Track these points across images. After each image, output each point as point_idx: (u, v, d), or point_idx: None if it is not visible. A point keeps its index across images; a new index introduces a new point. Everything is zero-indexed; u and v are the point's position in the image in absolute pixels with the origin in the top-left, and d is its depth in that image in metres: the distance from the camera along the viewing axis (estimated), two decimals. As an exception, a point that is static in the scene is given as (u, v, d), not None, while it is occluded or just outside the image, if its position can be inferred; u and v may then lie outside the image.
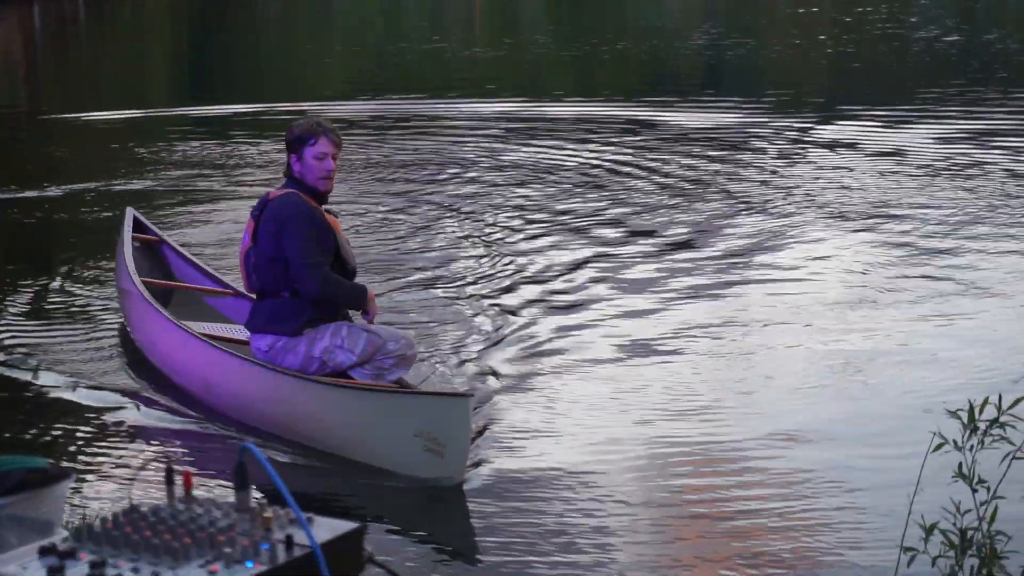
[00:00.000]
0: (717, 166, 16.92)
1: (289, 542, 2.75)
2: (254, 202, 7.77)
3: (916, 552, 3.59)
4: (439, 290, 10.93)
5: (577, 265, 11.71)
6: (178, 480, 2.99)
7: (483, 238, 12.72)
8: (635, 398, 8.20)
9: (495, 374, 8.61)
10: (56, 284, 11.21)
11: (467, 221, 13.59)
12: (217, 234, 13.08)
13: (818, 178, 15.81)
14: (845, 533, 6.04)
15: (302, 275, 7.32)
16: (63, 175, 17.25)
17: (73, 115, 23.59)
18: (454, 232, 13.10)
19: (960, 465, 3.68)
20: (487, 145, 19.39)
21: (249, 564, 2.69)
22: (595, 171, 16.93)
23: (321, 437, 7.29)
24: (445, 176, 16.65)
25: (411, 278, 11.33)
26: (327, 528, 2.83)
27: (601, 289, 10.96)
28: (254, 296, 7.73)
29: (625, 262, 11.87)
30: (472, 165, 17.51)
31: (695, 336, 9.48)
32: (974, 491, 3.70)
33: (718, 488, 6.76)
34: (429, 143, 19.71)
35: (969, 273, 11.01)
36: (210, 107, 24.87)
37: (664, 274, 11.38)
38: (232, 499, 2.93)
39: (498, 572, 5.94)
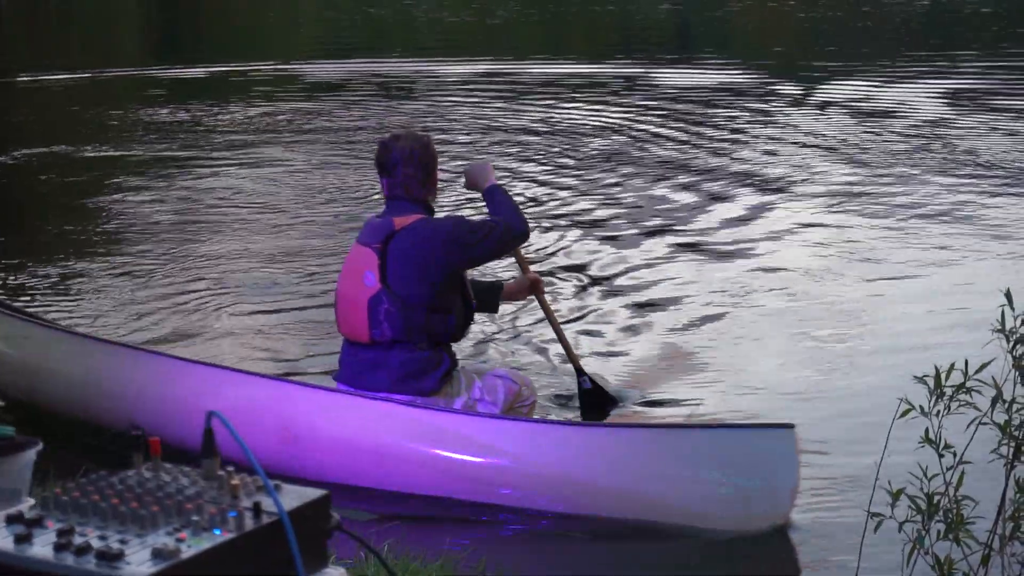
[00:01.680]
0: (689, 127, 16.97)
1: (257, 509, 2.74)
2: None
3: (883, 517, 3.61)
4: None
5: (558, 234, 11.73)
6: (146, 447, 2.98)
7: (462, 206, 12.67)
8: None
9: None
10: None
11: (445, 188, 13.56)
12: (178, 208, 12.92)
13: (793, 141, 15.88)
14: (813, 498, 6.06)
15: (505, 227, 6.34)
16: (25, 139, 17.14)
17: (37, 76, 23.46)
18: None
19: (927, 431, 3.70)
20: (463, 107, 19.38)
21: (217, 531, 2.68)
22: (570, 132, 16.96)
23: (585, 498, 5.94)
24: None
25: None
26: (295, 495, 2.82)
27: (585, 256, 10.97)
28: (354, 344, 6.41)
29: (603, 229, 11.89)
30: (450, 128, 17.49)
31: (662, 305, 9.52)
32: (941, 456, 3.71)
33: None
34: (405, 105, 19.68)
35: (941, 238, 11.06)
36: (178, 68, 24.77)
37: (628, 243, 11.41)
38: (200, 466, 2.92)
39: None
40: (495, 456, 5.98)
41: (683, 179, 13.87)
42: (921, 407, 3.72)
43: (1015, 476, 3.70)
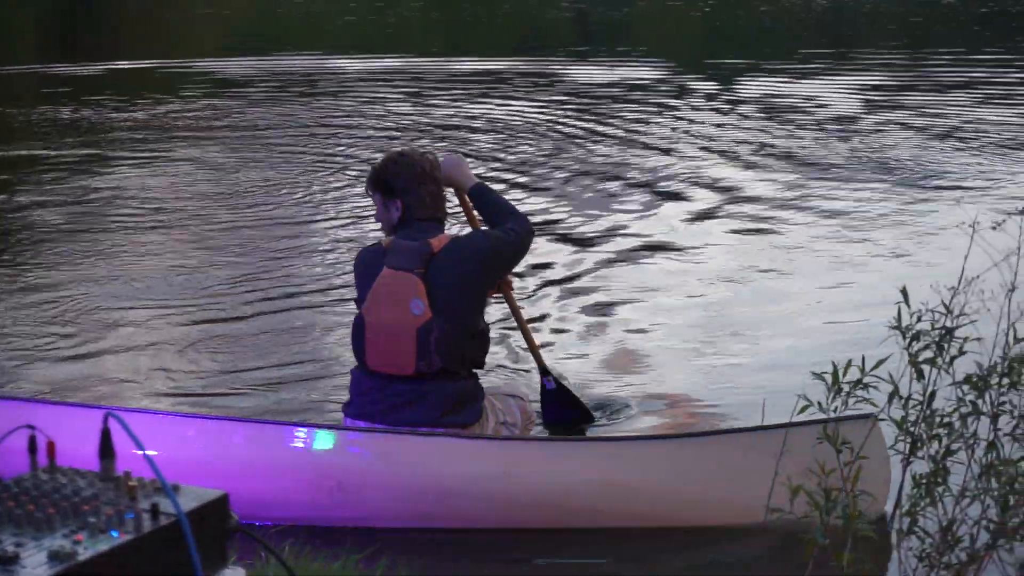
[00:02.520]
0: (604, 122, 17.03)
1: (155, 511, 2.72)
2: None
3: (782, 512, 3.64)
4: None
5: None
6: (41, 449, 2.95)
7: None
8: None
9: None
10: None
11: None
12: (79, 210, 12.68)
13: (697, 139, 15.97)
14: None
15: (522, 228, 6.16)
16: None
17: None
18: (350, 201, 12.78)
19: (824, 427, 3.74)
20: (374, 104, 19.32)
21: (114, 533, 2.66)
22: (486, 127, 16.96)
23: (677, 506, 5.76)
24: (339, 137, 16.53)
25: (323, 256, 10.91)
26: (193, 496, 2.80)
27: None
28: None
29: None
30: (363, 125, 17.43)
31: (576, 298, 9.53)
32: (838, 452, 3.75)
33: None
34: (314, 103, 19.58)
35: (849, 233, 11.17)
36: (79, 66, 24.51)
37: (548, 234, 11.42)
38: (97, 468, 2.90)
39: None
40: (581, 478, 5.67)
41: (596, 177, 13.92)
42: (819, 403, 3.76)
43: (911, 471, 3.75)
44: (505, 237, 6.04)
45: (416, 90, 20.80)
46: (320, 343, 8.60)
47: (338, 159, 14.97)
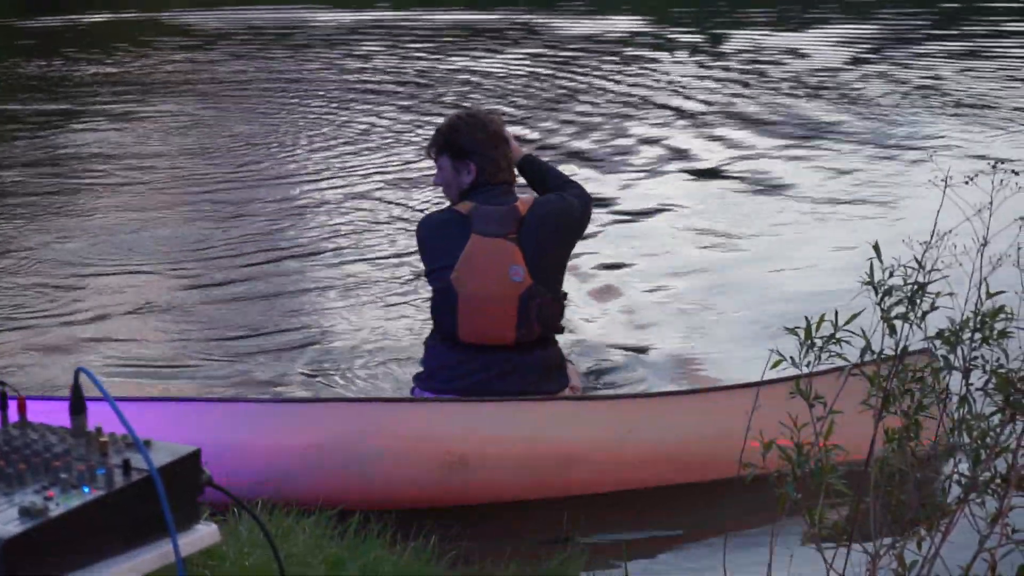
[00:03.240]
0: (583, 76, 17.02)
1: (126, 466, 2.72)
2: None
3: (754, 467, 3.65)
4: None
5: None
6: (12, 405, 2.94)
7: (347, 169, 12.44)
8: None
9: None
10: None
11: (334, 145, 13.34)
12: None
13: (680, 92, 15.96)
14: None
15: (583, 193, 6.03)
16: None
17: None
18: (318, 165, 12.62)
19: (797, 381, 3.74)
20: (353, 57, 19.22)
21: (86, 489, 2.66)
22: (464, 81, 16.93)
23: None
24: (317, 92, 16.43)
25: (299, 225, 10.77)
26: (165, 451, 2.80)
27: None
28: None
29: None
30: (341, 79, 17.35)
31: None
32: (811, 406, 3.76)
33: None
34: (291, 57, 19.48)
35: (821, 190, 11.18)
36: (46, 19, 24.32)
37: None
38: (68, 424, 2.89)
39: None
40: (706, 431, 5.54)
41: (573, 134, 13.90)
42: (792, 358, 3.76)
43: (883, 426, 3.76)
44: (579, 203, 5.90)
45: (391, 43, 20.71)
46: (308, 306, 8.48)
47: (316, 114, 14.90)
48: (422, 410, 5.50)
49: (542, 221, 5.72)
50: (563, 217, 5.80)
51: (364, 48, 20.19)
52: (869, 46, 19.43)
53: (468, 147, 5.79)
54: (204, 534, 2.81)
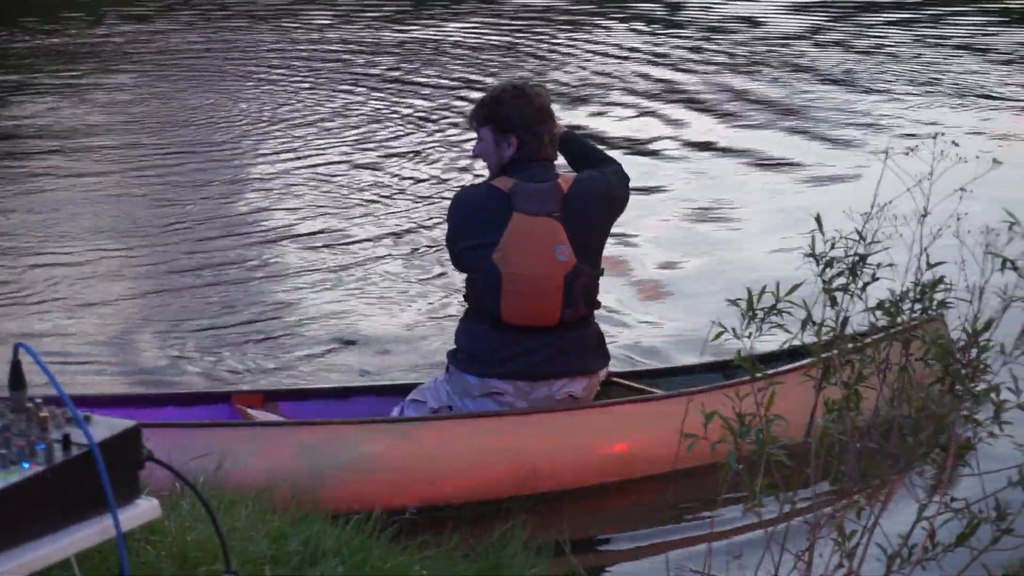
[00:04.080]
0: (538, 42, 17.00)
1: (67, 441, 2.71)
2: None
3: (696, 438, 3.67)
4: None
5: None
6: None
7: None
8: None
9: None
10: None
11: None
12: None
13: (624, 61, 15.94)
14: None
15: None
16: None
17: None
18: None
19: (739, 352, 3.76)
20: (304, 28, 19.05)
21: (25, 465, 2.65)
22: (416, 50, 16.85)
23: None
24: (269, 63, 16.29)
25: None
26: (105, 426, 2.79)
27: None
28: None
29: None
30: (293, 49, 17.21)
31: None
32: (753, 378, 3.78)
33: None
34: (240, 28, 19.28)
35: (764, 161, 11.23)
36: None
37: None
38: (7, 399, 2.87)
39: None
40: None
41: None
42: (733, 329, 3.77)
43: (823, 397, 3.78)
44: (617, 180, 5.84)
45: (345, 12, 20.55)
46: (266, 289, 8.42)
47: (270, 87, 14.79)
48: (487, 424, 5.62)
49: (585, 199, 5.64)
50: (606, 195, 5.73)
51: (318, 18, 20.04)
52: (823, 15, 19.45)
53: (513, 120, 5.66)
54: (145, 509, 2.81)
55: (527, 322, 5.64)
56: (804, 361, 4.02)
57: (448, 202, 5.91)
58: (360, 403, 6.22)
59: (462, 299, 5.97)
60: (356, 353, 7.27)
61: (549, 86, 14.74)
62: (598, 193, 5.69)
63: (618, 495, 5.64)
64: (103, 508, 2.69)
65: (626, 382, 6.22)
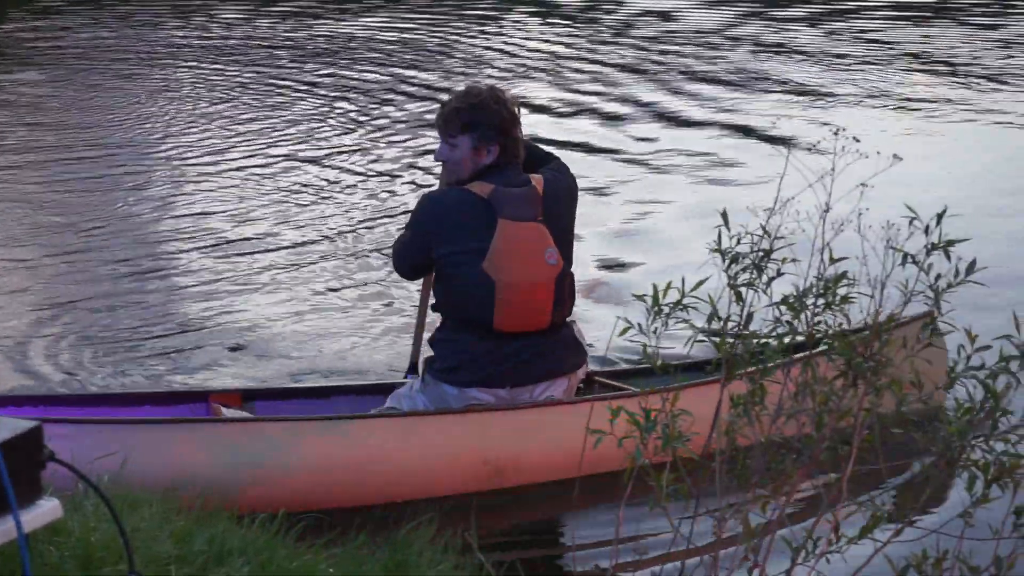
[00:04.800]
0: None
1: (-35, 443, 2.67)
2: None
3: (602, 434, 3.67)
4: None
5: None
6: None
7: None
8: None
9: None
10: None
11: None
12: None
13: (533, 50, 15.96)
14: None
15: None
16: None
17: None
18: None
19: (644, 347, 3.77)
20: (218, 22, 18.84)
21: (-77, 467, 2.61)
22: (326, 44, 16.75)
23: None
24: (181, 60, 16.10)
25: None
26: (5, 427, 2.76)
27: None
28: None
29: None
30: (204, 45, 17.04)
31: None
32: (658, 374, 3.79)
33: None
34: (149, 22, 19.00)
35: (673, 153, 11.28)
36: None
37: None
38: None
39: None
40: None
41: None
42: (639, 324, 3.79)
43: (728, 392, 3.80)
44: (570, 174, 5.84)
45: (254, 6, 20.37)
46: (178, 296, 8.31)
47: (182, 82, 14.63)
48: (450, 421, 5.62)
49: (559, 198, 5.65)
50: (570, 192, 5.74)
51: (228, 13, 19.83)
52: (735, 10, 19.53)
53: (496, 128, 5.59)
54: (47, 509, 2.78)
55: (519, 328, 5.60)
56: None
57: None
58: (340, 402, 6.18)
59: (431, 308, 5.93)
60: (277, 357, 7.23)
61: (467, 83, 14.77)
62: (566, 190, 5.71)
63: (526, 496, 5.63)
64: (4, 510, 2.66)
65: (608, 381, 6.19)
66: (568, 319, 5.85)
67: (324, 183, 10.60)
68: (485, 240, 5.52)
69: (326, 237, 9.29)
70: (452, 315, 5.72)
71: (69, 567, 3.73)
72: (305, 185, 10.55)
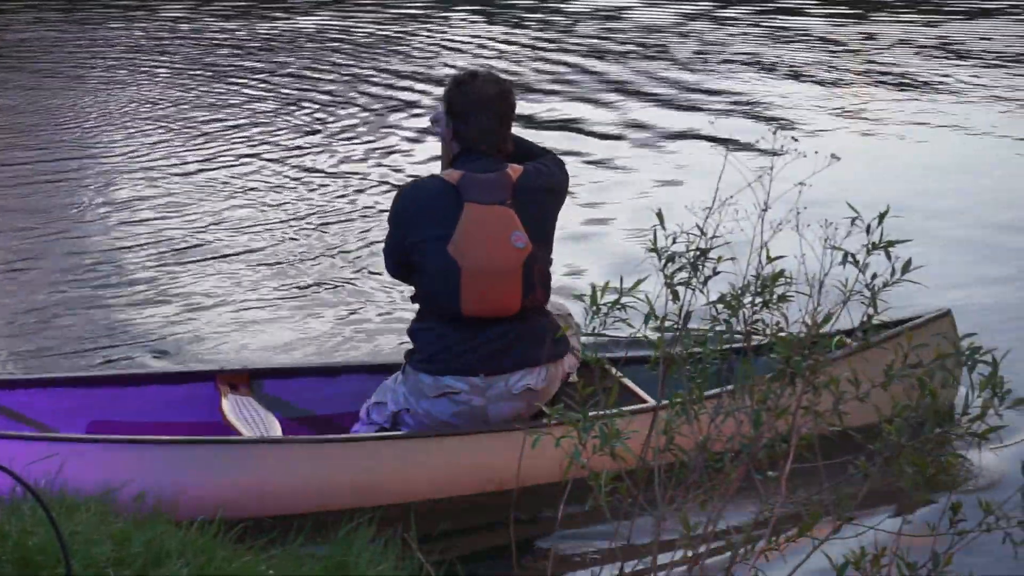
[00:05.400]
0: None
1: None
2: None
3: (540, 434, 3.68)
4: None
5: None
6: None
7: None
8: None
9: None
10: None
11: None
12: None
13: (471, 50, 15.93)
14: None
15: None
16: None
17: None
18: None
19: (583, 349, 3.78)
20: (155, 20, 18.73)
21: None
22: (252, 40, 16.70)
23: None
24: (123, 55, 15.97)
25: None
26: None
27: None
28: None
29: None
30: (142, 42, 16.93)
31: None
32: (600, 372, 3.80)
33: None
34: (88, 19, 18.89)
35: (610, 154, 11.29)
36: None
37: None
38: None
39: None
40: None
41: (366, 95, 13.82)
42: (579, 325, 3.80)
43: (668, 391, 3.81)
44: (561, 169, 5.80)
45: (194, 4, 20.28)
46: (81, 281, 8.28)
47: (124, 81, 14.54)
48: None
49: (536, 187, 5.58)
50: (555, 183, 5.68)
51: (169, 10, 19.72)
52: (683, 7, 19.57)
53: (454, 109, 5.61)
54: (-21, 515, 2.75)
55: (487, 312, 5.55)
56: None
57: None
58: (350, 381, 6.15)
59: (409, 299, 5.88)
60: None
61: (411, 80, 14.76)
62: (547, 180, 5.64)
63: (466, 498, 5.61)
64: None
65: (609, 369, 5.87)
66: (557, 312, 5.81)
67: (276, 180, 10.60)
68: (451, 225, 5.49)
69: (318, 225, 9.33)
70: (424, 303, 5.69)
71: (7, 571, 3.71)
72: (264, 182, 10.53)
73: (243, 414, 5.83)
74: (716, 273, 3.87)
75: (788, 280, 3.84)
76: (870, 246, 3.73)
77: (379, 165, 11.08)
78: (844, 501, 3.77)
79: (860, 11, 19.06)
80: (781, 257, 3.87)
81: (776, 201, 3.97)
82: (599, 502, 3.66)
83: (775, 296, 3.85)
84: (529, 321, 5.59)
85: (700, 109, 12.94)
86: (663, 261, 3.83)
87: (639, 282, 3.82)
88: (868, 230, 3.74)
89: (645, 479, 3.78)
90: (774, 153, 4.06)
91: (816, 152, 4.19)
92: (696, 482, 3.80)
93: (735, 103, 13.18)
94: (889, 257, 3.71)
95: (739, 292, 3.83)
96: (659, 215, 3.85)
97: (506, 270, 5.48)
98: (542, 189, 5.60)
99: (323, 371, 6.28)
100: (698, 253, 3.82)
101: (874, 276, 3.75)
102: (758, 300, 3.85)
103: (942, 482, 3.69)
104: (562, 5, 19.77)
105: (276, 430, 5.72)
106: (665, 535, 3.79)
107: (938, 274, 4.80)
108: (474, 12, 19.46)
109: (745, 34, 17.37)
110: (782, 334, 3.83)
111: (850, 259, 3.77)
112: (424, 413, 5.65)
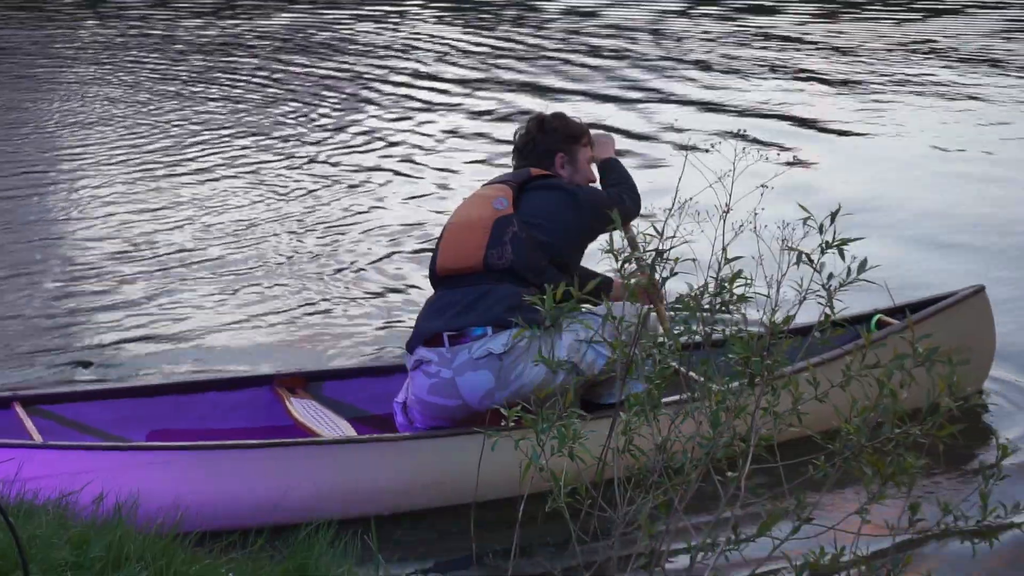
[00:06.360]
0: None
1: None
2: None
3: (498, 438, 3.68)
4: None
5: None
6: None
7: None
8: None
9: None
10: None
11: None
12: None
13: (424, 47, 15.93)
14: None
15: None
16: None
17: None
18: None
19: (540, 349, 3.79)
20: (126, 18, 18.68)
21: None
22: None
23: None
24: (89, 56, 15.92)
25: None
26: None
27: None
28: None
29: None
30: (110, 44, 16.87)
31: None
32: (555, 373, 3.81)
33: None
34: (57, 21, 18.79)
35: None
36: None
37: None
38: None
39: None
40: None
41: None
42: (536, 325, 3.80)
43: (626, 392, 3.81)
44: (607, 194, 5.94)
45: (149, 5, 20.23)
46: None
47: (70, 86, 14.48)
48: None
49: (551, 184, 5.85)
50: (567, 195, 5.81)
51: (125, 11, 19.66)
52: (653, 8, 19.57)
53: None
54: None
55: (451, 264, 5.70)
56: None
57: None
58: (403, 380, 6.10)
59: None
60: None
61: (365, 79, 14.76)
62: (562, 189, 5.83)
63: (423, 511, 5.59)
64: None
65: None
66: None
67: (277, 181, 10.64)
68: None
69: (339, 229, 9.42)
70: None
71: (-36, 576, 3.69)
72: (266, 183, 10.55)
73: (313, 416, 5.87)
74: (673, 274, 3.88)
75: (746, 280, 3.86)
76: (823, 245, 3.74)
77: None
78: (804, 501, 3.77)
79: (827, 11, 19.12)
80: (739, 257, 3.88)
81: (738, 202, 3.97)
82: (558, 503, 3.67)
83: (734, 297, 3.85)
84: (495, 285, 5.63)
85: (663, 111, 12.92)
86: (619, 262, 3.84)
87: (598, 282, 3.83)
88: (821, 229, 3.75)
89: (605, 481, 3.78)
90: (736, 155, 4.06)
91: (778, 155, 4.21)
92: (655, 483, 3.80)
93: (701, 104, 13.18)
94: (843, 256, 3.72)
95: (698, 292, 3.84)
96: (615, 217, 3.85)
97: (476, 225, 5.68)
98: (557, 187, 5.83)
99: (377, 371, 6.39)
100: (655, 253, 3.83)
101: (830, 276, 3.75)
102: (717, 300, 3.86)
103: (901, 481, 3.68)
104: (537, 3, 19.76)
105: (350, 431, 5.75)
106: (625, 536, 3.80)
107: (894, 275, 4.79)
108: (435, 10, 19.47)
109: (708, 32, 17.38)
110: (740, 335, 3.83)
111: (805, 259, 3.78)
112: (415, 399, 5.71)
